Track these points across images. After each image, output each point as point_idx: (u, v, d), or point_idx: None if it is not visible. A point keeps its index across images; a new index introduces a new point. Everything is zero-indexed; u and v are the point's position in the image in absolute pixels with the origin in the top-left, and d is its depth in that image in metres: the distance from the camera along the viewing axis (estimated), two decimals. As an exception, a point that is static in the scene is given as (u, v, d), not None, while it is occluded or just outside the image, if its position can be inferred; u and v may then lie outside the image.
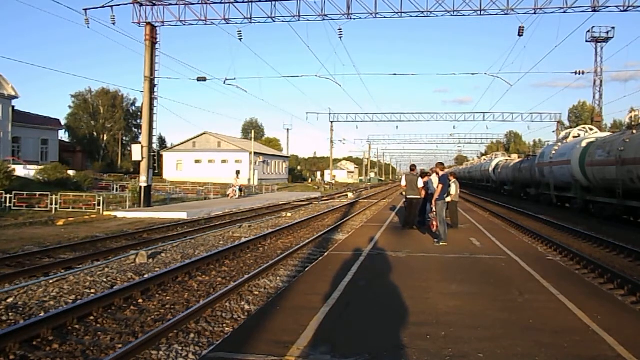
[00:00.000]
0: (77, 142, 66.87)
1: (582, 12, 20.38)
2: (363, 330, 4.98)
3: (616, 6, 19.82)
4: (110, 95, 73.68)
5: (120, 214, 20.03)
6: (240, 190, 33.21)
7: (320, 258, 9.44)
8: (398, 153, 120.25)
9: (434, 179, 12.31)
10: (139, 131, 60.37)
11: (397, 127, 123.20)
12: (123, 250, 11.40)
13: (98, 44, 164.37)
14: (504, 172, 39.54)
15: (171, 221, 18.30)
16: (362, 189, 59.50)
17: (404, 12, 21.31)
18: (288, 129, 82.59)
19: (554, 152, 25.27)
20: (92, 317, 6.30)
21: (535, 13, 20.65)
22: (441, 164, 12.85)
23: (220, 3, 22.38)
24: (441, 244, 10.76)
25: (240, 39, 23.02)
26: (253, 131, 71.63)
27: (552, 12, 20.58)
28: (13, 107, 40.04)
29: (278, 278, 8.86)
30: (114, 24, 21.94)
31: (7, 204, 21.28)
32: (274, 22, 22.41)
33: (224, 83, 25.06)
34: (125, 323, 6.21)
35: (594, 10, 20.01)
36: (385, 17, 21.77)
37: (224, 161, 65.59)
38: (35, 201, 21.96)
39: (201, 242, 12.95)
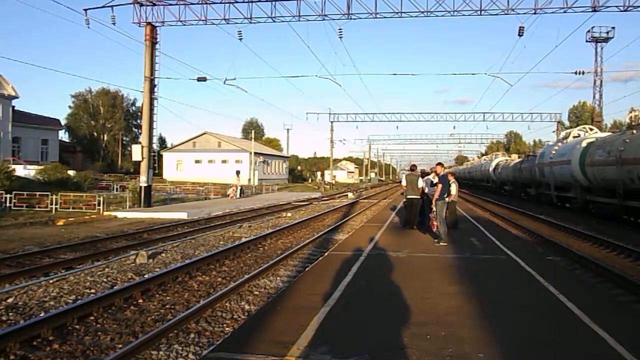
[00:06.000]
0: (77, 142, 66.88)
1: (582, 12, 20.42)
2: (363, 330, 4.98)
3: (616, 6, 19.83)
4: (111, 95, 73.62)
5: (120, 214, 20.03)
6: (241, 190, 33.22)
7: (321, 258, 9.44)
8: (398, 153, 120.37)
9: (434, 179, 12.31)
10: (139, 131, 60.36)
11: (397, 127, 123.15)
12: (123, 251, 11.39)
13: (98, 44, 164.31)
14: (504, 172, 39.52)
15: (171, 221, 18.30)
16: (362, 189, 59.48)
17: (404, 12, 21.31)
18: (288, 129, 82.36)
19: (554, 152, 25.25)
20: (92, 317, 6.30)
21: (535, 13, 20.66)
22: (440, 164, 12.86)
23: (221, 3, 22.40)
24: (441, 244, 10.75)
25: (240, 39, 23.05)
26: (253, 131, 71.58)
27: (552, 12, 20.60)
28: (13, 107, 40.07)
29: (278, 278, 8.86)
30: (114, 24, 21.98)
31: (7, 204, 21.28)
32: (274, 22, 22.43)
33: (224, 83, 25.09)
34: (126, 323, 6.21)
35: (594, 10, 20.01)
36: (385, 17, 21.79)
37: (224, 161, 65.59)
38: (36, 201, 21.97)
39: (201, 242, 12.94)
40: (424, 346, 4.46)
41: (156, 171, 30.13)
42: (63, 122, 62.03)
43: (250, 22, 22.54)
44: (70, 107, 74.16)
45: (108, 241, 13.11)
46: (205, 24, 22.97)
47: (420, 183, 13.20)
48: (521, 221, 18.71)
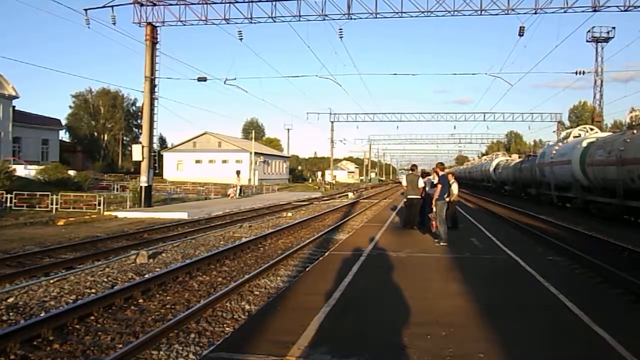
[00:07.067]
0: (77, 142, 66.90)
1: (582, 12, 20.44)
2: (363, 330, 4.98)
3: (616, 6, 19.85)
4: (111, 95, 73.67)
5: (120, 214, 20.04)
6: (241, 190, 33.25)
7: (321, 258, 9.44)
8: (398, 153, 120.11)
9: (434, 179, 12.31)
10: (140, 131, 60.37)
11: (397, 127, 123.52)
12: (123, 250, 11.39)
13: (98, 44, 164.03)
14: (505, 172, 39.52)
15: (172, 221, 18.30)
16: (362, 189, 59.46)
17: (404, 12, 21.33)
18: (288, 129, 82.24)
19: (554, 152, 25.26)
20: (92, 317, 6.30)
21: (535, 13, 20.67)
22: (441, 164, 12.86)
23: (221, 3, 22.42)
24: (441, 244, 10.75)
25: (240, 39, 23.09)
26: (253, 131, 71.54)
27: (552, 12, 20.62)
28: (14, 107, 40.08)
29: (278, 278, 8.86)
30: (114, 24, 22.02)
31: (8, 204, 21.29)
32: (275, 22, 22.45)
33: (224, 83, 25.15)
34: (126, 323, 6.21)
35: (594, 10, 20.03)
36: (385, 17, 21.82)
37: (224, 161, 65.59)
38: (36, 201, 21.96)
39: (202, 242, 12.95)
40: (425, 346, 4.46)
41: (156, 171, 30.08)
42: (63, 122, 62.07)
43: (251, 22, 22.58)
44: (70, 107, 74.38)
45: (108, 241, 13.11)
46: (206, 24, 23.03)
47: (421, 183, 13.21)
48: (521, 221, 18.70)
